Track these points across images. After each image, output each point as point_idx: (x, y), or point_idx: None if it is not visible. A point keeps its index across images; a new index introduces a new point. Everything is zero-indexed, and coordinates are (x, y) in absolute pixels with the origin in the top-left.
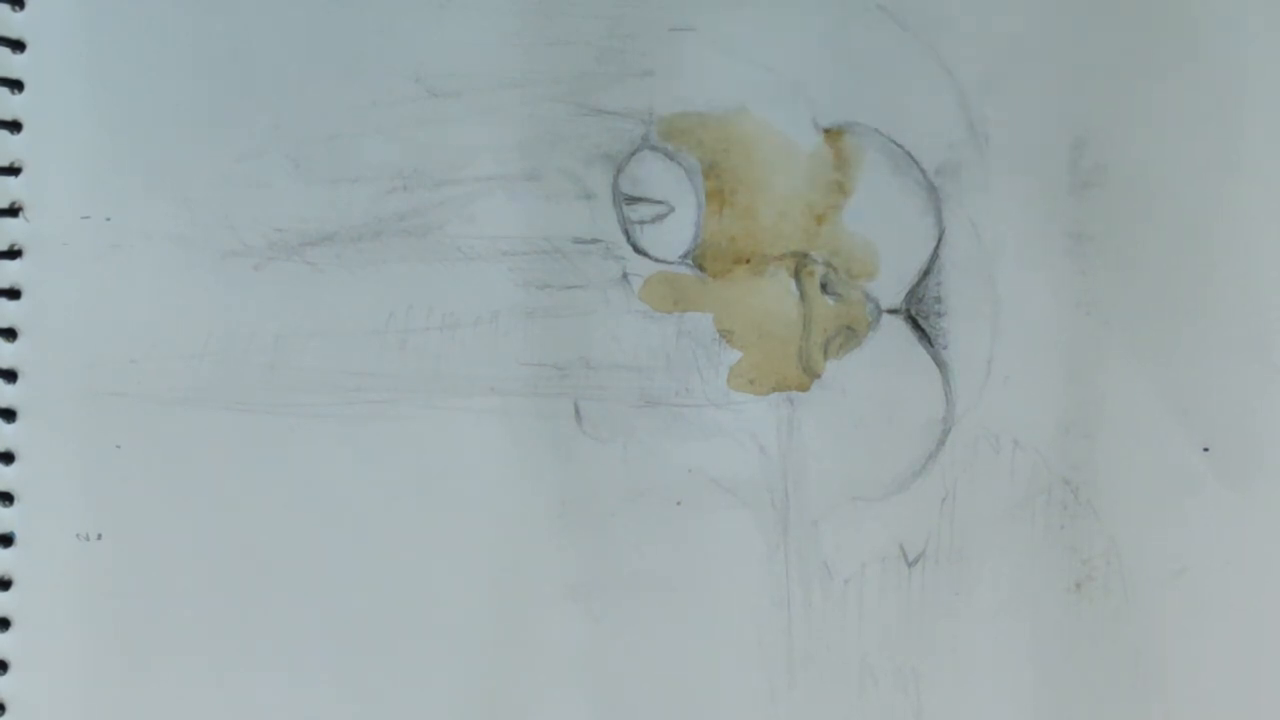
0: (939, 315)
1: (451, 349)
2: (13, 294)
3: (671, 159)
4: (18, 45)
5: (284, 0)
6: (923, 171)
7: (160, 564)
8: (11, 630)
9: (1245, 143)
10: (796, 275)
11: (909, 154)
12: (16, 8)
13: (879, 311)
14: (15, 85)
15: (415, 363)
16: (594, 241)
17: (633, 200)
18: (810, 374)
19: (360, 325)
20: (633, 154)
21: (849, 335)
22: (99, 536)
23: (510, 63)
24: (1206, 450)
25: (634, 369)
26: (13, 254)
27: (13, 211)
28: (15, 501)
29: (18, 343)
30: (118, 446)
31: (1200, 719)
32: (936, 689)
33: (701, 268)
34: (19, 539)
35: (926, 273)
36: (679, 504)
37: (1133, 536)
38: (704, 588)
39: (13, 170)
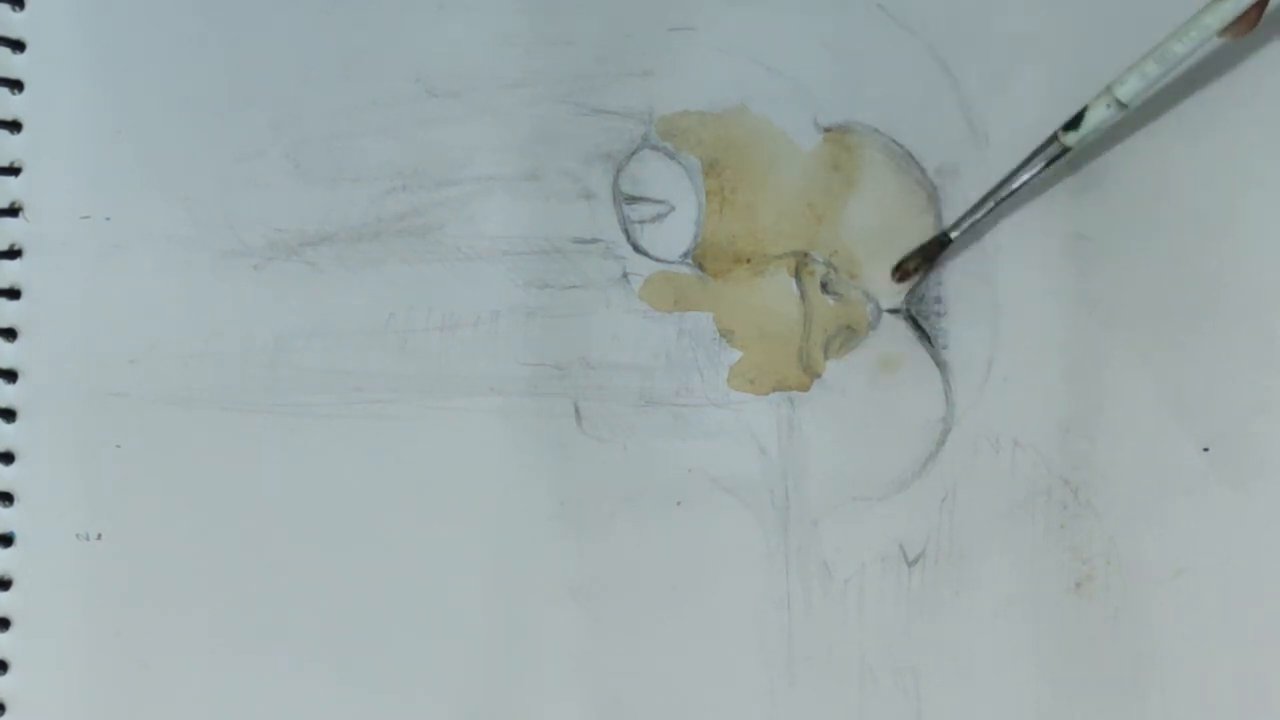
0: (939, 315)
1: (451, 349)
2: (13, 294)
3: (672, 158)
4: (18, 45)
5: (284, 0)
6: (923, 171)
7: (160, 564)
8: (11, 630)
9: (1245, 142)
10: (797, 275)
11: (909, 154)
12: (16, 8)
13: (879, 311)
14: (15, 85)
15: (415, 363)
16: (594, 241)
17: (633, 200)
18: (810, 374)
19: (360, 325)
20: (633, 153)
21: (849, 335)
22: (99, 536)
23: (510, 63)
24: (1206, 450)
25: (634, 369)
26: (13, 254)
27: (13, 211)
28: (15, 501)
29: (18, 343)
30: (118, 446)
31: (1200, 719)
32: (936, 689)
33: (702, 267)
34: (19, 539)
35: (926, 272)
36: (679, 504)
37: (1133, 536)
38: (704, 588)
39: (13, 170)
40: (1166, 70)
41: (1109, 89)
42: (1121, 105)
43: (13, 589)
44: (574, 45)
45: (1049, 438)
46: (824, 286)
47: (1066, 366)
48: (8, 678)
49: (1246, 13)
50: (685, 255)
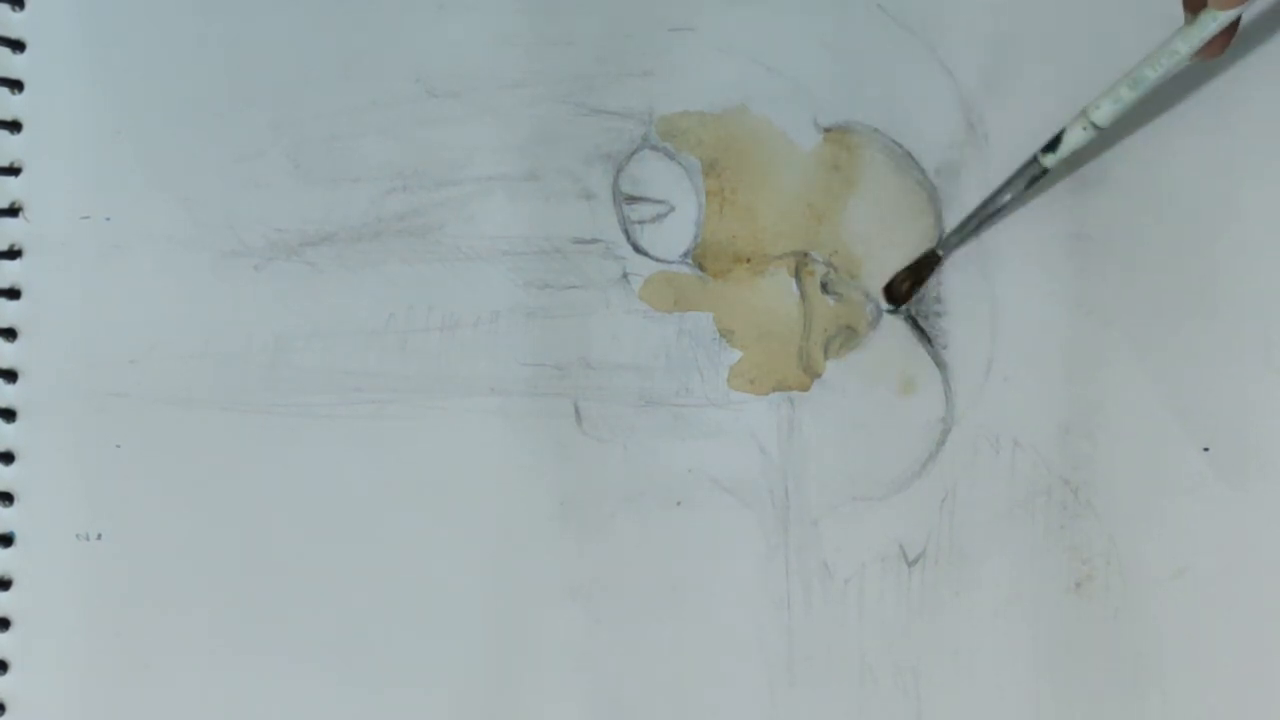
0: (939, 315)
1: (451, 349)
2: (13, 294)
3: (672, 158)
4: (18, 45)
5: (284, 0)
6: (923, 171)
7: (160, 564)
8: (11, 630)
9: (1246, 143)
10: (797, 275)
11: (909, 154)
12: (16, 8)
13: (879, 311)
14: (15, 85)
15: (415, 363)
16: (594, 241)
17: (633, 200)
18: (810, 374)
19: (360, 325)
20: (633, 154)
21: (849, 335)
22: (99, 536)
23: (510, 63)
24: (1206, 450)
25: (634, 369)
26: (13, 254)
27: (13, 211)
28: (15, 501)
29: (18, 343)
30: (118, 446)
31: (1200, 719)
32: (936, 689)
33: (702, 267)
34: (19, 539)
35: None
36: (679, 504)
37: (1133, 536)
38: (704, 588)
39: (13, 170)
40: (1140, 94)
41: (1084, 113)
42: (1097, 128)
43: (13, 589)
44: (574, 45)
45: (1049, 438)
46: (824, 286)
47: (1066, 366)
48: (8, 678)
49: (1216, 36)
50: (685, 255)
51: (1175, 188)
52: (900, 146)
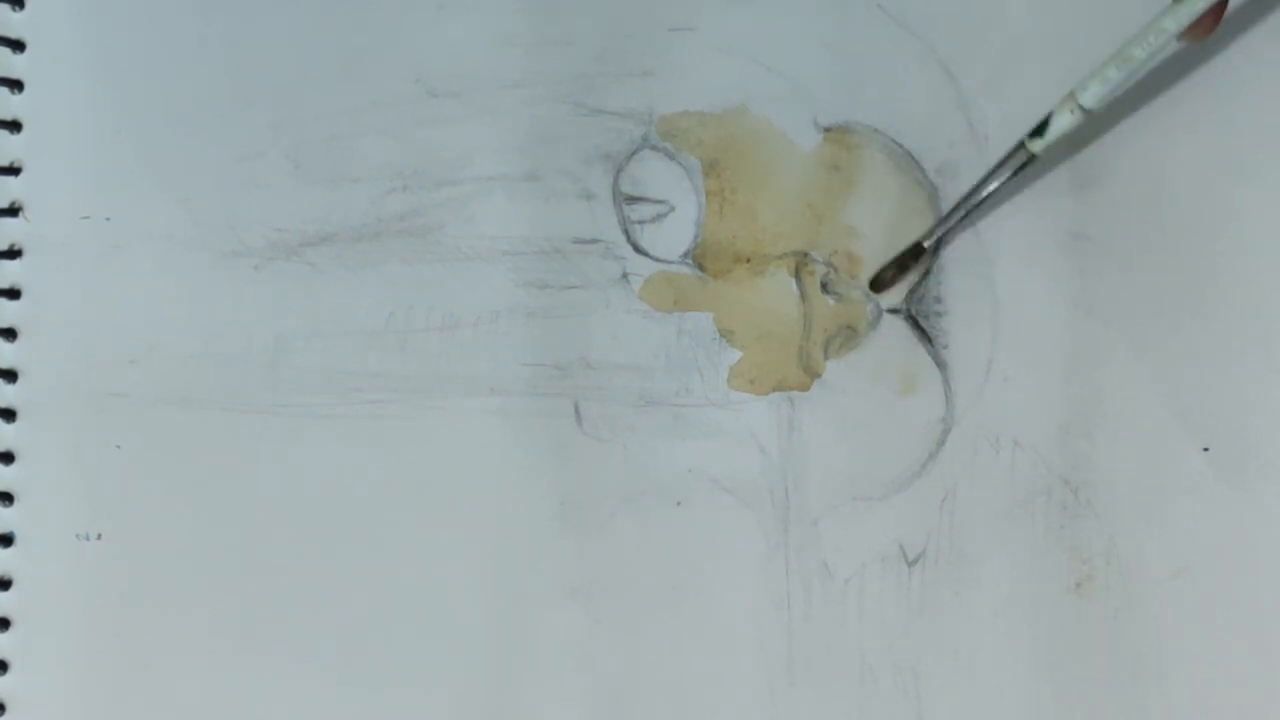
0: (939, 315)
1: (451, 349)
2: (13, 294)
3: (672, 158)
4: (18, 45)
5: (284, 0)
6: (923, 171)
7: (160, 564)
8: (11, 630)
9: (1246, 142)
10: (797, 275)
11: (909, 154)
12: (16, 8)
13: (879, 311)
14: (15, 85)
15: (415, 363)
16: (594, 241)
17: (633, 200)
18: (810, 374)
19: (360, 325)
20: (633, 154)
21: (849, 335)
22: (99, 536)
23: (510, 63)
24: (1206, 450)
25: (634, 369)
26: (13, 254)
27: (13, 211)
28: (15, 501)
29: (18, 343)
30: (118, 446)
31: (1200, 719)
32: (936, 689)
33: (702, 267)
34: (19, 539)
35: (926, 273)
36: (679, 504)
37: (1133, 536)
38: (704, 588)
39: (13, 170)
40: (1128, 75)
41: (1072, 95)
42: (1085, 111)
43: (13, 589)
44: (574, 45)
45: (1049, 438)
46: (824, 286)
47: (1066, 366)
48: (8, 678)
49: (1204, 16)
50: (685, 255)
51: (1175, 187)
52: (900, 146)
